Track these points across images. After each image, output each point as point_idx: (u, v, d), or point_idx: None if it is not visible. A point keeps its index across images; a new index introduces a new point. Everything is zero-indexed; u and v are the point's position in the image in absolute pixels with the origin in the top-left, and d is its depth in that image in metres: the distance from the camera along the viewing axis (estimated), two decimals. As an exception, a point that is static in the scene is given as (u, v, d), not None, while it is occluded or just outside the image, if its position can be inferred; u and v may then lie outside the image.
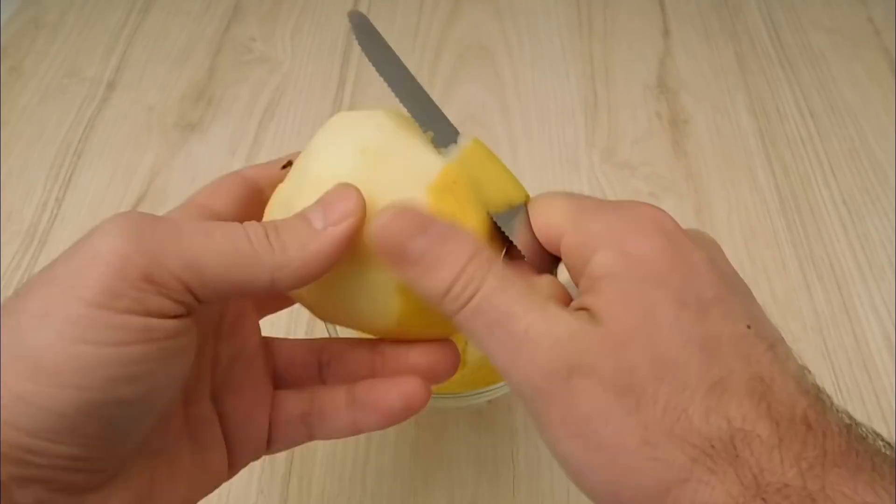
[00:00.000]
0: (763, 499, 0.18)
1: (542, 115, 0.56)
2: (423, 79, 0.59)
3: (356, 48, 0.61)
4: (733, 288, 0.21)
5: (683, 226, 0.23)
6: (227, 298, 0.22)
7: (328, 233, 0.21)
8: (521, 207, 0.25)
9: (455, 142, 0.25)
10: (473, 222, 0.24)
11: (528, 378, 0.20)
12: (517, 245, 0.24)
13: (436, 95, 0.58)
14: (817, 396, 0.19)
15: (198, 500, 0.24)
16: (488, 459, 0.39)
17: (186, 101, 0.58)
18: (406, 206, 0.22)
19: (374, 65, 0.26)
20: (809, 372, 0.20)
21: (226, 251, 0.20)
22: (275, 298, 0.29)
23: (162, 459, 0.23)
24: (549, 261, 0.25)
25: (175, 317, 0.20)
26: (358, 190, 0.22)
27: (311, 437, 0.27)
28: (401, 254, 0.21)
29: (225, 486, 0.37)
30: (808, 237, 0.49)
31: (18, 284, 0.46)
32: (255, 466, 0.38)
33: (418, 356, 0.26)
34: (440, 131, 0.25)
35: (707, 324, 0.20)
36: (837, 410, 0.20)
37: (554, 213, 0.24)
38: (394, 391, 0.25)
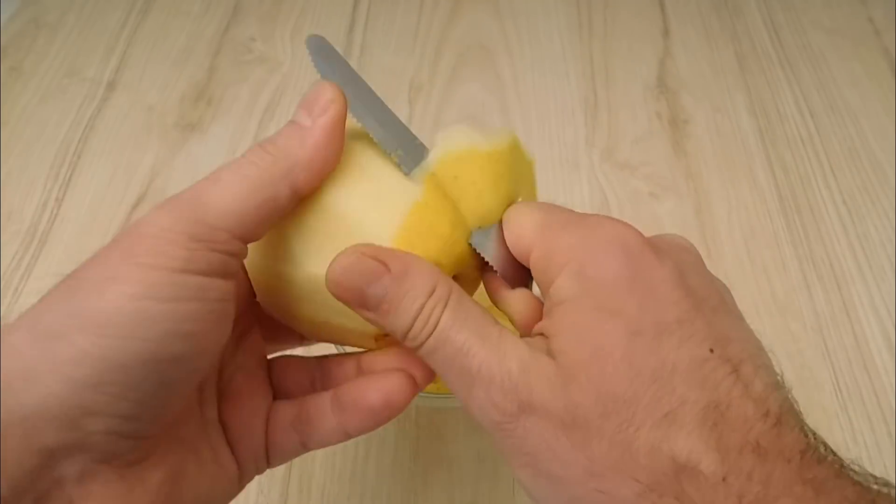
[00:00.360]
0: None
1: (542, 115, 0.56)
2: (423, 79, 0.59)
3: (356, 48, 0.61)
4: (700, 305, 0.21)
5: (683, 227, 0.23)
6: (265, 225, 0.23)
7: (319, 124, 0.22)
8: (497, 223, 0.25)
9: (422, 161, 0.24)
10: (439, 252, 0.23)
11: (483, 413, 0.21)
12: (489, 262, 0.25)
13: (435, 95, 0.58)
14: (778, 418, 0.19)
15: (221, 502, 0.25)
16: (488, 459, 0.39)
17: (186, 101, 0.58)
18: (362, 251, 0.22)
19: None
20: (782, 387, 0.20)
21: (239, 183, 0.21)
22: (286, 334, 0.29)
23: (189, 450, 0.23)
24: (524, 273, 0.25)
25: (223, 276, 0.21)
26: (332, 84, 0.23)
27: (304, 446, 0.27)
28: (360, 300, 0.22)
29: (225, 486, 0.37)
30: (808, 237, 0.49)
31: (18, 284, 0.46)
32: (255, 466, 0.38)
33: (399, 362, 0.26)
34: (407, 152, 0.24)
35: (662, 352, 0.20)
36: (804, 430, 0.19)
37: (523, 226, 0.24)
38: (374, 389, 0.25)
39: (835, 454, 0.19)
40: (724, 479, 0.18)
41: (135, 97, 0.58)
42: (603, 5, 0.65)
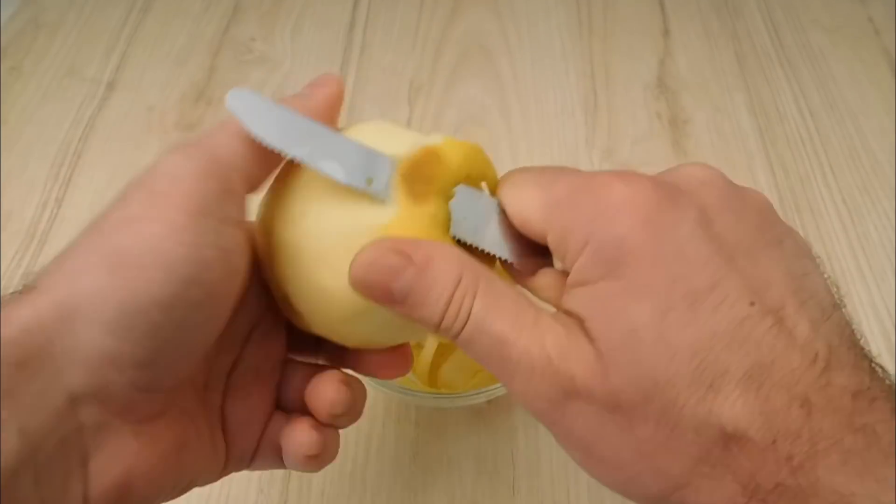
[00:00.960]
0: (762, 499, 0.18)
1: (542, 115, 0.56)
2: (423, 79, 0.59)
3: (356, 48, 0.61)
4: (733, 255, 0.20)
5: None
6: (268, 169, 0.23)
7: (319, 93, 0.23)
8: (492, 211, 0.23)
9: (386, 181, 0.22)
10: None
11: (527, 402, 0.21)
12: (503, 257, 0.23)
13: (435, 95, 0.58)
14: (827, 361, 0.19)
15: (203, 482, 0.25)
16: (488, 459, 0.39)
17: (186, 101, 0.58)
18: (383, 245, 0.21)
19: (269, 142, 0.22)
20: (833, 312, 0.20)
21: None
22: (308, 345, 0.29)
23: (194, 425, 0.24)
24: (541, 253, 0.24)
25: (235, 224, 0.22)
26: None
27: (282, 463, 0.27)
28: (387, 296, 0.21)
29: (225, 485, 0.37)
30: (808, 237, 0.49)
31: (18, 284, 0.46)
32: (255, 466, 0.38)
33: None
34: (374, 175, 0.22)
35: (698, 323, 0.19)
36: (857, 366, 0.19)
37: (529, 208, 0.23)
38: (288, 438, 0.26)
39: (890, 387, 0.19)
40: (773, 443, 0.18)
41: (135, 97, 0.58)
42: (603, 5, 0.65)
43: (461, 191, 0.23)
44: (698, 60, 0.60)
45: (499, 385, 0.35)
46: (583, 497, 0.37)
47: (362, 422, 0.40)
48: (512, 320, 0.21)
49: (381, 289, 0.21)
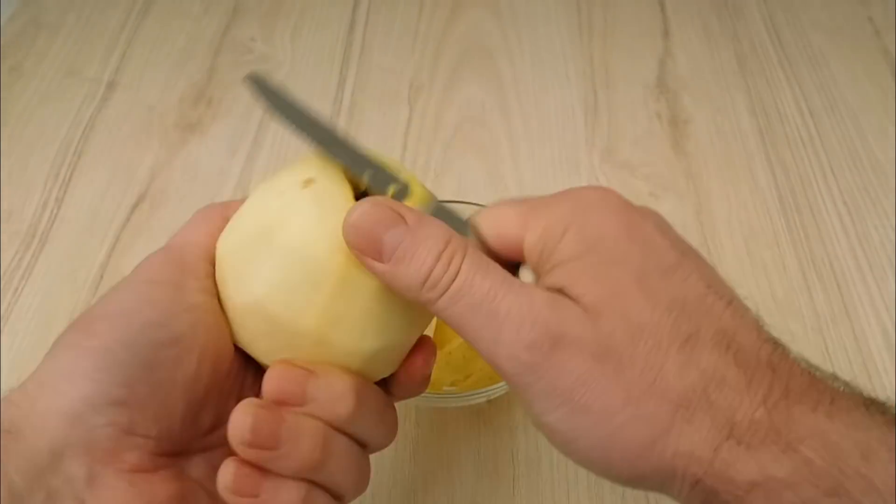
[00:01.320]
0: (736, 438, 0.19)
1: (542, 116, 0.56)
2: (423, 79, 0.59)
3: (356, 48, 0.61)
4: (686, 254, 0.23)
5: (683, 226, 0.24)
6: None
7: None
8: (466, 230, 0.25)
9: (393, 182, 0.25)
10: None
11: (513, 354, 0.21)
12: None
13: (435, 96, 0.58)
14: (776, 343, 0.21)
15: None
16: (488, 459, 0.39)
17: (186, 101, 0.58)
18: (379, 200, 0.23)
19: (290, 126, 0.25)
20: (765, 324, 0.22)
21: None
22: None
23: (189, 480, 0.24)
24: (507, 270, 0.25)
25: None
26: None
27: None
28: (377, 248, 0.22)
29: (225, 486, 0.37)
30: (808, 237, 0.49)
31: (18, 284, 0.46)
32: (255, 466, 0.38)
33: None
34: (377, 173, 0.25)
35: (671, 288, 0.21)
36: (797, 357, 0.21)
37: (505, 221, 0.24)
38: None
39: (834, 376, 0.21)
40: (748, 385, 0.20)
41: (135, 97, 0.58)
42: (603, 6, 0.65)
43: (436, 206, 0.25)
44: (698, 60, 0.60)
45: (499, 385, 0.35)
46: (583, 497, 0.37)
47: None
48: (501, 280, 0.22)
49: (372, 238, 0.22)
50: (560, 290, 0.22)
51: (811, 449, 0.19)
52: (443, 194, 0.44)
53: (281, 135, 0.55)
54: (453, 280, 0.21)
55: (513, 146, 0.54)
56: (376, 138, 0.54)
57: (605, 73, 0.60)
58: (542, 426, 0.22)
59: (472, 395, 0.35)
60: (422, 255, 0.22)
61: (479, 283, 0.21)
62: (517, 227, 0.24)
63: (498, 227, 0.25)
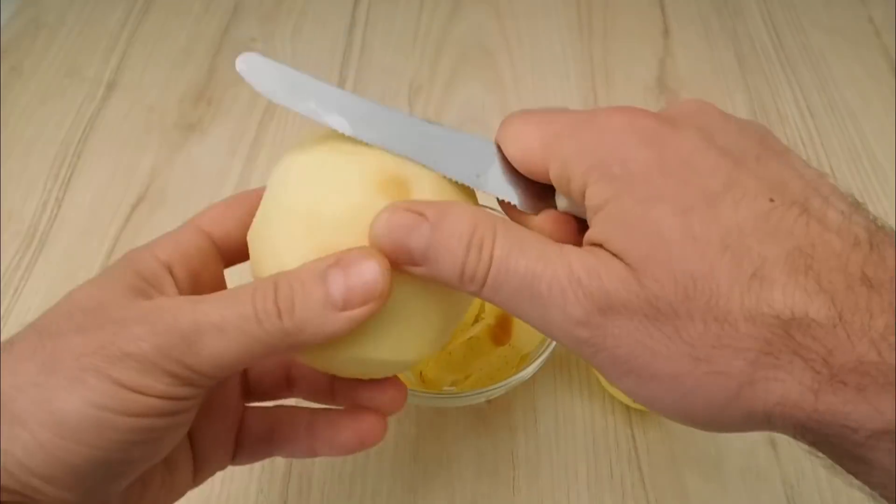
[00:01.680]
0: (842, 381, 0.17)
1: (542, 116, 0.56)
2: (423, 79, 0.59)
3: (356, 48, 0.61)
4: (741, 161, 0.20)
5: None
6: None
7: (347, 316, 0.21)
8: (491, 157, 0.24)
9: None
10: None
11: (566, 333, 0.20)
12: (504, 198, 0.24)
13: (435, 95, 0.58)
14: (870, 242, 0.18)
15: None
16: (488, 459, 0.39)
17: (186, 101, 0.58)
18: (396, 205, 0.22)
19: (276, 100, 0.24)
20: (859, 207, 0.19)
21: (238, 340, 0.20)
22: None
23: (137, 482, 0.23)
24: (542, 192, 0.24)
25: (193, 403, 0.21)
26: (384, 262, 0.21)
27: (272, 454, 0.28)
28: (407, 255, 0.21)
29: (225, 486, 0.37)
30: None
31: (18, 284, 0.46)
32: (255, 466, 0.38)
33: (370, 391, 0.27)
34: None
35: (721, 220, 0.19)
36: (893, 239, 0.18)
37: (528, 145, 0.23)
38: (349, 429, 0.26)
39: None
40: (840, 319, 0.17)
41: (135, 97, 0.58)
42: (603, 5, 0.65)
43: (457, 137, 0.24)
44: (698, 60, 0.60)
45: (499, 385, 0.35)
46: (583, 497, 0.37)
47: (362, 422, 0.40)
48: (537, 255, 0.20)
49: (400, 247, 0.21)
50: (600, 246, 0.20)
51: None
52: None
53: (281, 134, 0.55)
54: (488, 268, 0.20)
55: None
56: (376, 138, 0.54)
57: (604, 73, 0.60)
58: (621, 390, 0.21)
59: (473, 395, 0.35)
60: (451, 249, 0.21)
61: (514, 265, 0.20)
62: (540, 155, 0.22)
63: (521, 153, 0.23)
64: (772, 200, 0.19)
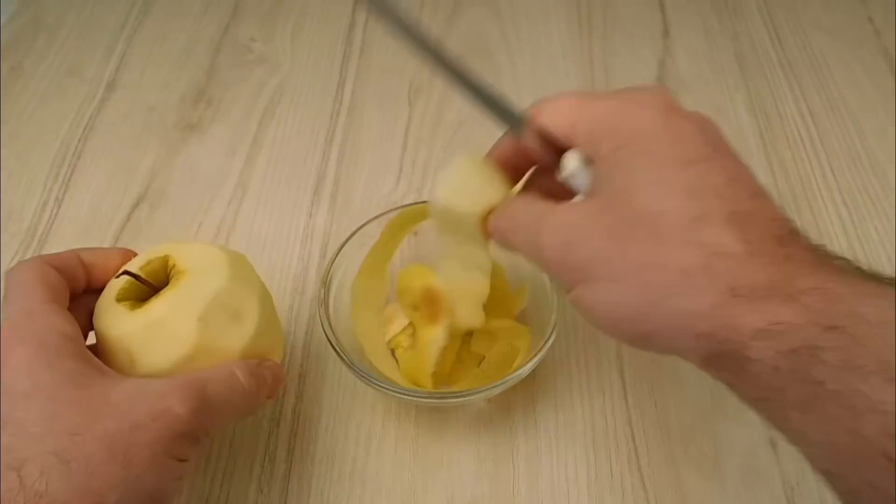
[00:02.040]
0: (738, 295, 0.21)
1: (542, 116, 0.56)
2: (422, 79, 0.59)
3: (356, 48, 0.61)
4: (719, 151, 0.25)
5: None
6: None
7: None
8: (521, 120, 0.29)
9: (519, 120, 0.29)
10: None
11: (546, 260, 0.26)
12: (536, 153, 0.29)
13: (435, 96, 0.58)
14: (791, 226, 0.23)
15: None
16: (488, 459, 0.39)
17: (186, 101, 0.58)
18: (499, 210, 0.30)
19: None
20: (788, 214, 0.24)
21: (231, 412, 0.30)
22: None
23: None
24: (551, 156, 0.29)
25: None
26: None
27: None
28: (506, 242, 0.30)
29: (225, 485, 0.37)
30: (808, 237, 0.49)
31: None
32: (254, 466, 0.38)
33: None
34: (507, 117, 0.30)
35: (688, 177, 0.23)
36: (807, 237, 0.23)
37: (562, 106, 0.27)
38: None
39: (843, 257, 0.23)
40: (751, 255, 0.22)
41: (135, 97, 0.58)
42: (603, 5, 0.65)
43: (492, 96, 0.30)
44: (698, 60, 0.60)
45: (498, 384, 0.35)
46: (583, 497, 0.37)
47: (362, 421, 0.40)
48: (537, 213, 0.27)
49: (504, 238, 0.30)
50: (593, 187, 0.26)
51: (811, 298, 0.21)
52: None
53: (281, 134, 0.55)
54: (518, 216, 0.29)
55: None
56: (376, 138, 0.55)
57: (604, 73, 0.60)
58: (572, 301, 0.26)
59: (473, 394, 0.35)
60: (517, 228, 0.29)
61: (520, 218, 0.28)
62: (570, 113, 0.27)
63: (553, 117, 0.28)
64: (732, 179, 0.24)
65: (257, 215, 0.50)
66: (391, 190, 0.51)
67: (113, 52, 0.61)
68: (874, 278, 0.22)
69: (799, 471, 0.38)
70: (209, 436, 0.28)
